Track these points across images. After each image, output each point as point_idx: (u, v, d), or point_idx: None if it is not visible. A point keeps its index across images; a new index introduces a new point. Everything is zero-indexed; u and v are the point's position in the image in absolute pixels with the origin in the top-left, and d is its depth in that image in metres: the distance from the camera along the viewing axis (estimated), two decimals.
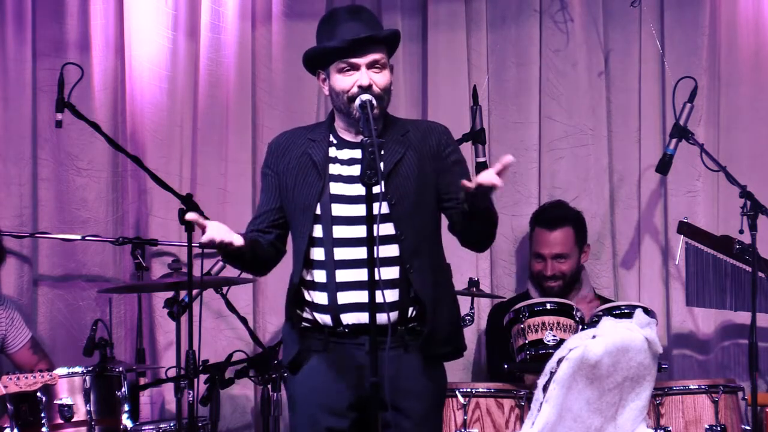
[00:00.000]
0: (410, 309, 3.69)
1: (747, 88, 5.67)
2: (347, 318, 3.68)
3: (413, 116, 5.63)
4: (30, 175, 5.70)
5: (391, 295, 3.64)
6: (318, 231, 3.70)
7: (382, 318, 3.54)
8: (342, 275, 3.67)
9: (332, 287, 3.68)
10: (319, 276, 3.71)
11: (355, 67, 3.67)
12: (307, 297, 3.74)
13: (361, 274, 3.59)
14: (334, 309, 3.68)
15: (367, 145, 3.45)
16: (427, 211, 3.74)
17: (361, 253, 3.61)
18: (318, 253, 3.71)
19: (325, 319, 3.71)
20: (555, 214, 5.42)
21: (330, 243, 3.68)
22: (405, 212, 3.66)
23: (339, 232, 3.68)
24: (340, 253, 3.67)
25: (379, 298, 3.51)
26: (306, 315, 3.76)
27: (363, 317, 3.62)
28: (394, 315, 3.63)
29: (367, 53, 3.67)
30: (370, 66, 3.68)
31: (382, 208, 3.54)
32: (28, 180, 5.69)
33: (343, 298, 3.67)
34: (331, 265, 3.68)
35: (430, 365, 3.77)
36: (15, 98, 5.70)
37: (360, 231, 3.62)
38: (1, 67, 5.70)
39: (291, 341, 3.80)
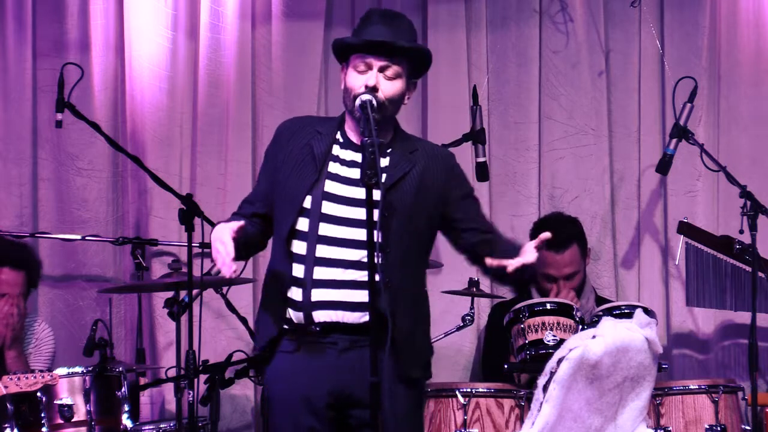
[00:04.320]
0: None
1: (747, 88, 5.68)
2: (319, 315, 3.66)
3: (413, 116, 5.64)
4: (30, 175, 5.70)
5: (362, 296, 3.57)
6: (303, 225, 3.68)
7: (353, 317, 3.61)
8: (320, 273, 3.66)
9: (308, 284, 3.66)
10: (297, 271, 3.69)
11: (369, 67, 3.67)
12: (285, 292, 3.72)
13: (339, 274, 3.62)
14: (308, 306, 3.66)
15: (367, 146, 3.44)
16: (418, 232, 3.72)
17: (342, 253, 3.63)
18: (299, 247, 3.69)
19: (298, 316, 3.69)
20: (560, 234, 5.32)
21: (314, 239, 3.66)
22: (396, 227, 3.64)
23: (325, 230, 3.67)
24: (322, 251, 3.65)
25: (354, 297, 3.57)
26: (284, 313, 3.72)
27: (334, 315, 3.64)
28: (365, 315, 3.58)
29: (381, 58, 3.66)
30: (382, 70, 3.67)
31: (375, 215, 3.50)
32: (28, 180, 5.70)
33: (317, 295, 3.65)
34: (311, 261, 3.66)
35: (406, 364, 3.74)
36: (15, 98, 5.70)
37: (346, 232, 3.64)
38: (1, 67, 5.70)
39: (263, 335, 3.78)
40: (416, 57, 3.75)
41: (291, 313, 3.71)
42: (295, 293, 3.69)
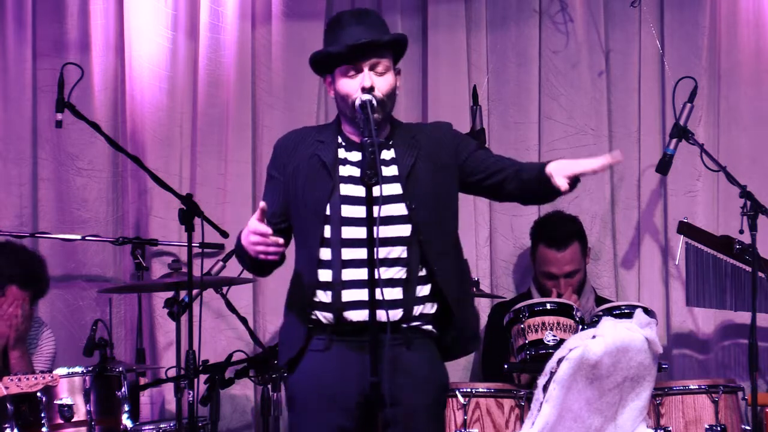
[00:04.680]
0: (415, 308, 3.70)
1: (747, 88, 5.67)
2: (351, 315, 3.68)
3: (413, 116, 5.64)
4: (30, 175, 5.70)
5: (394, 294, 3.65)
6: (326, 231, 3.70)
7: (393, 315, 3.63)
8: (348, 274, 3.67)
9: (337, 286, 3.68)
10: (325, 275, 3.70)
11: (359, 70, 3.69)
12: (312, 296, 3.73)
13: (367, 273, 3.61)
14: (338, 307, 3.68)
15: (367, 146, 3.46)
16: (448, 212, 3.78)
17: (368, 253, 3.63)
18: (325, 253, 3.70)
19: (328, 317, 3.71)
20: (561, 232, 5.35)
21: (338, 243, 3.68)
22: (427, 216, 3.69)
23: (347, 233, 3.67)
24: (348, 254, 3.66)
25: (385, 295, 3.59)
26: (310, 315, 3.74)
27: (367, 314, 3.63)
28: (398, 313, 3.65)
29: (369, 57, 3.69)
30: (372, 68, 3.69)
31: (398, 209, 3.64)
32: (28, 180, 5.70)
33: (347, 296, 3.67)
34: (337, 264, 3.67)
35: (433, 363, 3.78)
36: (15, 98, 5.70)
37: (367, 232, 3.64)
38: (1, 67, 5.71)
39: (290, 341, 3.79)
40: (396, 46, 3.78)
41: (320, 315, 3.72)
42: (325, 296, 3.70)
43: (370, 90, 3.65)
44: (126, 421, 4.84)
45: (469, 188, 3.84)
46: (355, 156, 3.73)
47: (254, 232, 3.55)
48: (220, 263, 5.34)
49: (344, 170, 3.73)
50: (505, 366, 4.77)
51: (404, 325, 3.69)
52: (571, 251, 5.33)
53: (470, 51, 5.76)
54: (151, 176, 5.28)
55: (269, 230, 3.54)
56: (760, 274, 5.05)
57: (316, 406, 3.72)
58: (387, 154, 3.74)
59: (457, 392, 4.76)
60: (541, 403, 4.14)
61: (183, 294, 4.95)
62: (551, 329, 4.73)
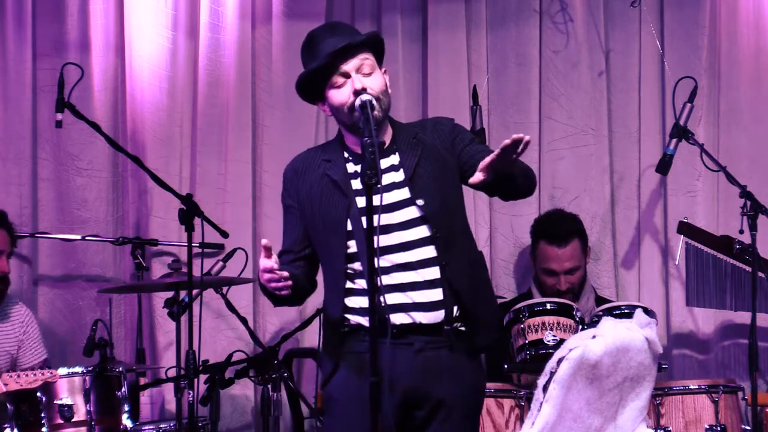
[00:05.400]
0: (454, 308, 3.72)
1: (747, 88, 5.67)
2: (394, 318, 3.68)
3: (413, 116, 5.63)
4: (30, 175, 5.71)
5: (436, 295, 3.69)
6: (352, 246, 3.72)
7: (428, 318, 3.67)
8: (383, 280, 3.66)
9: (375, 292, 3.66)
10: (361, 284, 3.72)
11: (346, 76, 3.70)
12: (350, 303, 3.74)
13: (401, 277, 3.67)
14: (380, 310, 3.64)
15: (367, 145, 3.45)
16: (456, 206, 3.80)
17: (398, 258, 3.68)
18: (356, 265, 3.72)
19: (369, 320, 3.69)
20: (562, 229, 5.36)
21: (366, 254, 3.66)
22: (437, 211, 3.71)
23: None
24: (379, 262, 3.65)
25: (425, 297, 3.66)
26: (350, 319, 3.74)
27: (408, 318, 3.69)
28: (440, 314, 3.69)
29: (351, 61, 3.70)
30: (359, 71, 3.70)
31: (412, 212, 3.69)
32: (28, 180, 5.70)
33: (389, 299, 3.65)
34: (371, 274, 3.66)
35: (474, 364, 3.81)
36: (15, 98, 5.71)
37: (393, 238, 3.67)
38: (1, 67, 5.71)
39: (331, 361, 3.80)
40: (375, 45, 3.78)
41: (361, 320, 3.71)
42: (364, 301, 3.68)
43: (363, 91, 3.66)
44: (126, 421, 4.85)
45: (463, 182, 3.85)
46: None
47: (263, 270, 3.58)
48: (220, 263, 5.34)
49: (356, 183, 3.74)
50: (505, 366, 4.77)
51: (446, 327, 3.71)
52: (571, 248, 5.34)
53: (470, 51, 5.76)
54: (151, 176, 5.28)
55: (275, 265, 3.57)
56: (760, 274, 5.05)
57: (356, 407, 3.68)
58: (393, 159, 3.76)
59: None
60: (541, 403, 4.13)
61: (183, 294, 4.95)
62: (551, 329, 4.73)
